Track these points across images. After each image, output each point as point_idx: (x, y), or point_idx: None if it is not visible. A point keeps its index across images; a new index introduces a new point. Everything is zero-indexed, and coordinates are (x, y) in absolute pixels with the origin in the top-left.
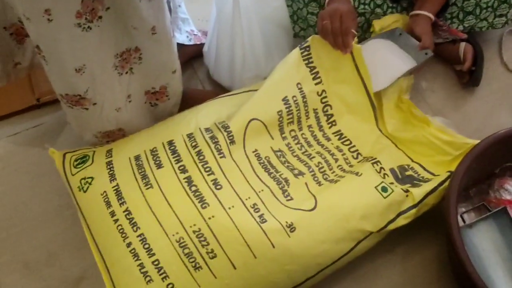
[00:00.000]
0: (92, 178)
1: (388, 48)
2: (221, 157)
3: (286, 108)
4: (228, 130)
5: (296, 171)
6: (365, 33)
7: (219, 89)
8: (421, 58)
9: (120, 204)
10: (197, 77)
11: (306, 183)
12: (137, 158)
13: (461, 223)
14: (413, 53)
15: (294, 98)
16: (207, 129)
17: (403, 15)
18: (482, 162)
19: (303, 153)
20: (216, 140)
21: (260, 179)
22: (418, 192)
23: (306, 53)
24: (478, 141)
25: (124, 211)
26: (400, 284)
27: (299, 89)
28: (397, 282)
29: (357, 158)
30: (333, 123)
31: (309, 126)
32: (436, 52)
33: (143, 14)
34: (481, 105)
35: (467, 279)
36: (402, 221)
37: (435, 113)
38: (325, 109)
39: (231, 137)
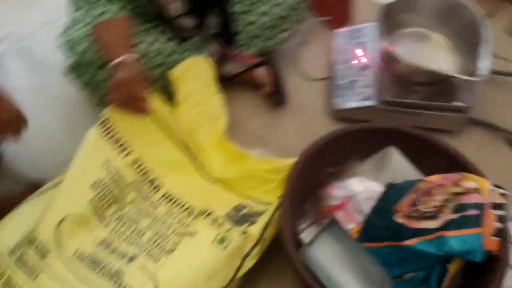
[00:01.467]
0: None
1: None
2: (34, 279)
3: (99, 193)
4: (37, 241)
5: (128, 256)
6: (166, 82)
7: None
8: None
9: None
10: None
11: (142, 266)
12: None
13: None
14: None
15: (105, 180)
16: (12, 251)
17: (196, 57)
18: (306, 176)
19: (132, 232)
20: (24, 261)
21: (87, 285)
22: (256, 229)
23: (105, 127)
24: (295, 158)
25: None
26: None
27: (107, 168)
28: None
29: (190, 215)
30: (158, 187)
31: (132, 201)
32: (240, 81)
33: None
34: (295, 119)
35: None
36: (249, 263)
37: (259, 139)
38: (144, 177)
39: (42, 249)
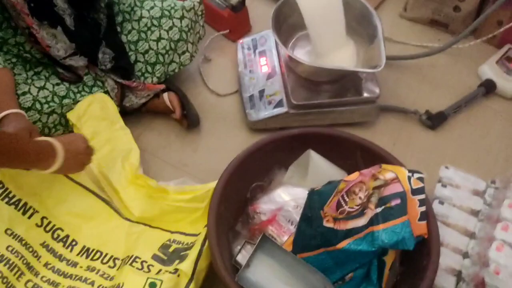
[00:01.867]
0: None
1: None
2: None
3: (5, 265)
4: None
5: None
6: (66, 128)
7: None
8: None
9: None
10: None
11: None
12: None
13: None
14: None
15: (10, 248)
16: None
17: (93, 95)
18: (231, 196)
19: None
20: None
21: None
22: (187, 265)
23: (1, 191)
24: (215, 181)
25: None
26: None
27: (10, 235)
28: None
29: (114, 266)
30: (73, 243)
31: (46, 264)
32: (148, 110)
33: None
34: (212, 138)
35: None
36: None
37: (177, 168)
38: (55, 236)
39: None
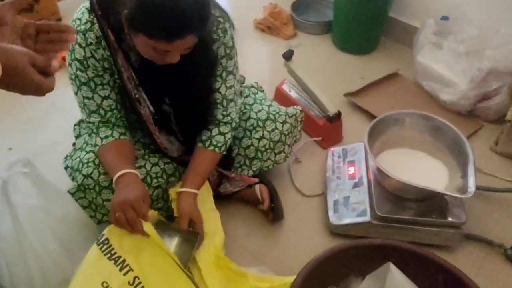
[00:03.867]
0: None
1: None
2: None
3: None
4: None
5: None
6: (166, 203)
7: None
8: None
9: None
10: None
11: None
12: None
13: None
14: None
15: None
16: None
17: None
18: None
19: None
20: None
21: None
22: None
23: (105, 246)
24: (294, 276)
25: None
26: None
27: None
28: None
29: None
30: None
31: None
32: (238, 198)
33: None
34: (292, 235)
35: None
36: None
37: (257, 257)
38: None
39: None
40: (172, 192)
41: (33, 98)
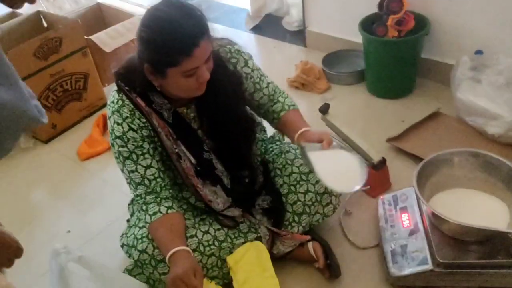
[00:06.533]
0: None
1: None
2: None
3: None
4: None
5: None
6: (221, 270)
7: None
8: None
9: None
10: None
11: None
12: None
13: None
14: None
15: None
16: None
17: (251, 242)
18: None
19: None
20: None
21: None
22: None
23: None
24: None
25: None
26: None
27: None
28: None
29: None
30: None
31: None
32: (292, 258)
33: None
34: None
35: None
36: None
37: None
38: None
39: None
40: (230, 259)
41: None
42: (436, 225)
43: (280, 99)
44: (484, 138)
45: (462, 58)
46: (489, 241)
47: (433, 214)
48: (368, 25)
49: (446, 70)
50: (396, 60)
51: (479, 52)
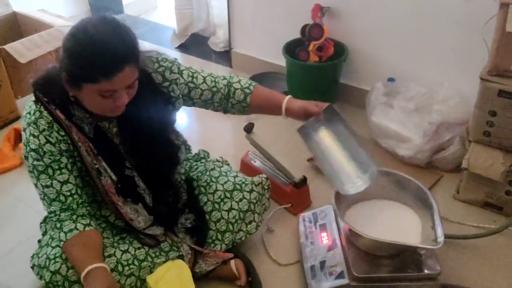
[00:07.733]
0: None
1: None
2: None
3: None
4: None
5: None
6: None
7: None
8: None
9: None
10: None
11: None
12: None
13: None
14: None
15: None
16: None
17: (172, 261)
18: None
19: None
20: None
21: None
22: None
23: None
24: None
25: None
26: None
27: None
28: None
29: None
30: None
31: None
32: (215, 277)
33: None
34: None
35: None
36: None
37: None
38: None
39: None
40: (150, 279)
41: None
42: (352, 240)
43: (236, 85)
44: (396, 159)
45: (376, 84)
46: (400, 255)
47: (350, 229)
48: (292, 49)
49: (362, 95)
50: (317, 83)
51: (391, 79)
